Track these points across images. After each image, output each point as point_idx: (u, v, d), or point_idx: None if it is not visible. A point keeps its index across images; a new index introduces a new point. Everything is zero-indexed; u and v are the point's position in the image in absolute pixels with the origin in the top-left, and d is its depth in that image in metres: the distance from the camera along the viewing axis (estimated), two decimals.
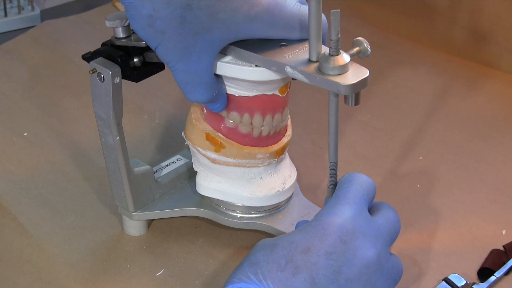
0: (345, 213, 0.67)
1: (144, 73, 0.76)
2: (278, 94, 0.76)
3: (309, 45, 0.69)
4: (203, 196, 0.83)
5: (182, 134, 0.81)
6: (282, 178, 0.81)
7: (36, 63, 1.13)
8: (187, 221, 0.86)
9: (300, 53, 0.71)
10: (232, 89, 0.75)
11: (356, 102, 0.68)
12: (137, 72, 0.76)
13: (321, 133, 1.00)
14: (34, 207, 0.88)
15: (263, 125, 0.77)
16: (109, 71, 0.73)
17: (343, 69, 0.67)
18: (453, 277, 0.78)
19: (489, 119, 1.03)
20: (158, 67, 0.77)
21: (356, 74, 0.67)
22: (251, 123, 0.77)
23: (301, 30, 0.72)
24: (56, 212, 0.87)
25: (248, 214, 0.82)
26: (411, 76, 1.12)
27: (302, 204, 0.84)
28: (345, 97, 0.68)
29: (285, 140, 0.80)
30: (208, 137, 0.78)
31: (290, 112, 0.81)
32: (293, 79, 0.73)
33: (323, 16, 0.69)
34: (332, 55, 0.67)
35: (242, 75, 0.73)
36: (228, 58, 0.73)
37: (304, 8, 0.72)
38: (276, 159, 0.80)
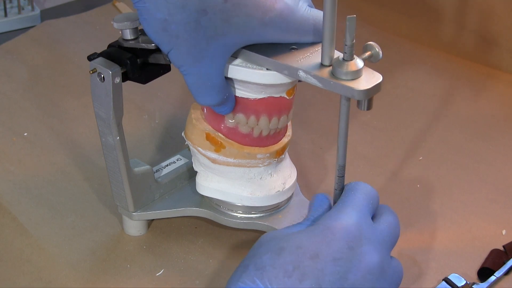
0: (353, 218, 0.67)
1: (151, 74, 0.76)
2: (285, 96, 0.76)
3: (322, 50, 0.69)
4: (203, 196, 0.83)
5: (182, 134, 0.81)
6: (282, 178, 0.81)
7: (36, 63, 1.13)
8: (187, 221, 0.86)
9: (312, 57, 0.71)
10: (240, 92, 0.75)
11: (369, 107, 0.68)
12: (144, 74, 0.76)
13: (321, 133, 1.00)
14: (34, 207, 0.88)
15: (270, 128, 0.77)
16: (109, 71, 0.73)
17: (357, 74, 0.67)
18: (453, 277, 0.78)
19: (489, 119, 1.03)
20: (165, 68, 0.77)
21: (370, 79, 0.68)
22: (257, 124, 0.77)
23: (313, 34, 0.72)
24: (56, 212, 0.87)
25: (248, 214, 0.82)
26: (411, 76, 1.12)
27: (302, 204, 0.84)
28: (358, 101, 0.68)
29: (285, 140, 0.80)
30: (208, 137, 0.78)
31: None
32: (299, 81, 0.73)
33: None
34: (346, 60, 0.67)
35: (253, 78, 0.73)
36: (238, 61, 0.73)
37: (315, 12, 0.72)
38: (276, 159, 0.80)
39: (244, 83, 0.74)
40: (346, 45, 0.67)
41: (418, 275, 0.80)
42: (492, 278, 0.79)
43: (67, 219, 0.86)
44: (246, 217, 0.82)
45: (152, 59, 0.75)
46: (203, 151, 0.79)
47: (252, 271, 0.64)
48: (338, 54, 0.69)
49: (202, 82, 0.72)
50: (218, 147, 0.78)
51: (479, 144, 0.99)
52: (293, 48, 0.72)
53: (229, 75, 0.74)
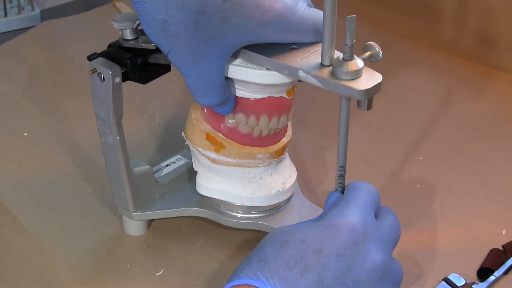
0: (358, 215, 0.67)
1: (151, 74, 0.76)
2: (285, 96, 0.76)
3: (322, 50, 0.69)
4: (203, 196, 0.83)
5: (182, 134, 0.81)
6: (282, 178, 0.81)
7: (36, 63, 1.13)
8: (187, 221, 0.86)
9: (312, 56, 0.71)
10: (240, 92, 0.75)
11: (369, 107, 0.68)
12: (144, 74, 0.76)
13: (321, 133, 1.00)
14: (34, 207, 0.88)
15: (270, 128, 0.77)
16: (109, 71, 0.73)
17: (357, 74, 0.67)
18: (453, 277, 0.78)
19: (489, 119, 1.03)
20: (165, 68, 0.77)
21: (370, 79, 0.68)
22: (257, 124, 0.77)
23: (313, 34, 0.72)
24: (56, 212, 0.87)
25: (248, 214, 0.82)
26: (411, 76, 1.12)
27: (302, 204, 0.84)
28: (358, 101, 0.68)
29: (285, 140, 0.80)
30: (208, 137, 0.78)
31: None
32: (299, 81, 0.73)
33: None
34: (346, 60, 0.67)
35: (253, 78, 0.73)
36: (238, 61, 0.73)
37: (314, 12, 0.72)
38: (276, 159, 0.80)
39: (244, 83, 0.74)
40: (346, 45, 0.67)
41: (418, 275, 0.80)
42: (492, 278, 0.79)
43: (67, 219, 0.86)
44: (246, 217, 0.82)
45: (152, 59, 0.75)
46: (203, 151, 0.79)
47: (255, 263, 0.65)
48: (338, 54, 0.69)
49: (202, 83, 0.72)
50: (218, 147, 0.78)
51: (479, 144, 0.99)
52: (293, 48, 0.72)
53: (229, 75, 0.74)
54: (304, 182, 0.91)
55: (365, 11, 1.23)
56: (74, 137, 0.99)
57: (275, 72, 0.72)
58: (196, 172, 0.82)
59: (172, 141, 0.98)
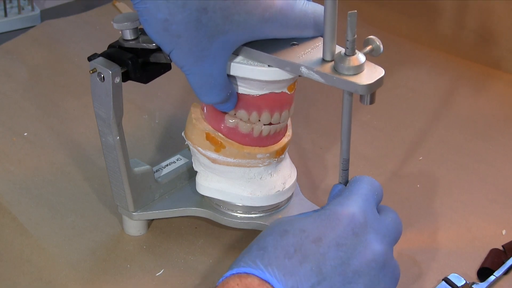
0: (359, 205, 0.67)
1: (152, 73, 0.76)
2: (287, 91, 0.76)
3: (323, 45, 0.69)
4: (203, 196, 0.83)
5: (182, 134, 0.81)
6: (282, 178, 0.81)
7: (36, 63, 1.13)
8: (187, 221, 0.86)
9: (313, 52, 0.71)
10: (241, 88, 0.75)
11: (372, 101, 0.68)
12: (146, 73, 0.76)
13: (321, 133, 1.00)
14: (34, 207, 0.88)
15: (271, 122, 0.77)
16: (109, 71, 0.73)
17: (359, 69, 0.68)
18: (453, 277, 0.78)
19: (489, 119, 1.03)
20: (165, 67, 0.77)
21: (372, 73, 0.68)
22: (259, 120, 0.77)
23: (313, 28, 0.72)
24: (56, 212, 0.87)
25: (248, 214, 0.82)
26: (411, 76, 1.12)
27: (302, 204, 0.84)
28: (361, 96, 0.68)
29: (285, 140, 0.80)
30: (208, 137, 0.78)
31: None
32: (299, 76, 0.73)
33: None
34: (348, 55, 0.67)
35: (255, 75, 0.73)
36: (239, 58, 0.73)
37: (313, 6, 0.73)
38: (276, 159, 0.80)
39: (246, 80, 0.74)
40: (347, 40, 0.67)
41: (418, 275, 0.80)
42: (492, 277, 0.79)
43: (67, 219, 0.86)
44: (246, 217, 0.82)
45: (152, 58, 0.75)
46: (203, 151, 0.79)
47: (255, 252, 0.65)
48: (339, 49, 0.69)
49: (205, 81, 0.72)
50: (218, 147, 0.78)
51: (479, 144, 0.99)
52: (294, 44, 0.72)
53: (231, 73, 0.74)
54: (304, 182, 0.91)
55: (365, 11, 1.23)
56: (74, 137, 0.99)
57: (276, 68, 0.72)
58: (196, 172, 0.82)
59: (172, 141, 0.98)
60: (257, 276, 0.63)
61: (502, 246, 0.83)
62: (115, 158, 0.78)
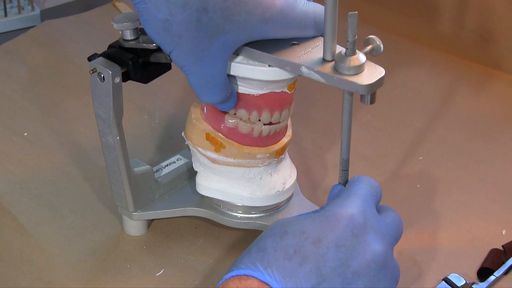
0: (358, 206, 0.67)
1: (153, 73, 0.76)
2: (287, 91, 0.76)
3: (324, 45, 0.69)
4: (203, 196, 0.83)
5: (182, 134, 0.81)
6: (282, 178, 0.81)
7: (36, 63, 1.13)
8: (187, 221, 0.86)
9: (313, 52, 0.71)
10: (242, 88, 0.75)
11: (372, 101, 0.68)
12: (146, 73, 0.76)
13: (321, 133, 1.00)
14: (34, 207, 0.88)
15: (271, 122, 0.77)
16: (109, 71, 0.73)
17: (360, 68, 0.68)
18: (453, 277, 0.78)
19: (489, 119, 1.03)
20: (166, 67, 0.77)
21: (373, 73, 0.68)
22: (259, 120, 0.77)
23: (313, 28, 0.72)
24: (56, 212, 0.87)
25: (248, 214, 0.82)
26: (411, 76, 1.12)
27: (302, 204, 0.84)
28: (361, 96, 0.68)
29: (285, 140, 0.80)
30: (208, 137, 0.78)
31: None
32: (299, 76, 0.73)
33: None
34: (349, 55, 0.67)
35: (255, 75, 0.73)
36: (239, 58, 0.73)
37: (314, 6, 0.73)
38: (276, 159, 0.80)
39: (246, 80, 0.74)
40: (348, 41, 0.67)
41: (418, 275, 0.80)
42: (492, 277, 0.79)
43: (67, 219, 0.86)
44: (246, 217, 0.82)
45: (153, 58, 0.75)
46: (203, 151, 0.79)
47: (254, 253, 0.65)
48: (339, 49, 0.69)
49: (205, 81, 0.72)
50: (218, 147, 0.78)
51: (479, 144, 0.99)
52: (294, 44, 0.72)
53: (231, 73, 0.74)
54: (304, 182, 0.91)
55: (365, 11, 1.23)
56: (74, 137, 0.99)
57: (277, 68, 0.72)
58: (196, 172, 0.82)
59: (172, 141, 0.98)
60: (257, 278, 0.63)
61: (502, 246, 0.83)
62: (115, 158, 0.78)
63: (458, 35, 1.15)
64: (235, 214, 0.82)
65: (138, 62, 0.74)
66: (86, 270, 0.80)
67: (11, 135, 0.99)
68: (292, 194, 0.84)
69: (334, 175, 0.93)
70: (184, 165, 0.86)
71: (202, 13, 0.68)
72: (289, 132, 0.82)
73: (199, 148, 0.79)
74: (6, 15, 1.24)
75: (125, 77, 0.75)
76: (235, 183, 0.80)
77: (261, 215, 0.82)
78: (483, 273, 0.80)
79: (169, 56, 0.71)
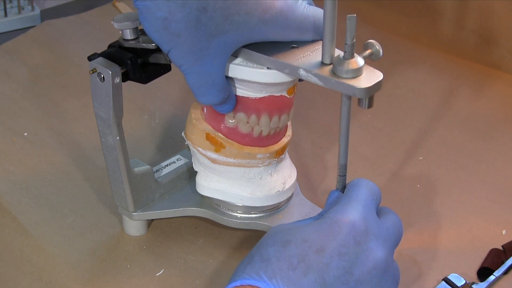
0: (359, 212, 0.67)
1: (152, 74, 0.76)
2: (286, 95, 0.76)
3: (322, 48, 0.69)
4: (203, 196, 0.83)
5: (182, 134, 0.81)
6: (282, 178, 0.81)
7: (36, 63, 1.13)
8: (187, 221, 0.86)
9: (312, 55, 0.71)
10: (240, 91, 0.75)
11: (370, 105, 0.68)
12: (145, 73, 0.76)
13: (321, 133, 1.00)
14: (34, 207, 0.88)
15: (270, 126, 0.77)
16: (109, 71, 0.73)
17: (358, 72, 0.68)
18: (453, 277, 0.78)
19: (489, 119, 1.03)
20: (165, 68, 0.77)
21: (370, 77, 0.68)
22: (258, 123, 0.77)
23: (313, 32, 0.72)
24: (56, 212, 0.87)
25: (248, 214, 0.82)
26: (411, 76, 1.12)
27: (302, 204, 0.84)
28: (359, 100, 0.68)
29: (285, 140, 0.80)
30: (208, 137, 0.78)
31: None
32: (299, 80, 0.73)
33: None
34: (347, 59, 0.67)
35: (254, 77, 0.73)
36: (238, 60, 0.73)
37: (314, 10, 0.73)
38: (276, 159, 0.80)
39: (245, 82, 0.74)
40: (346, 44, 0.67)
41: (418, 275, 0.80)
42: (492, 277, 0.79)
43: (67, 219, 0.86)
44: (246, 217, 0.82)
45: (152, 58, 0.75)
46: (203, 151, 0.79)
47: (258, 263, 0.65)
48: (338, 53, 0.69)
49: (203, 81, 0.72)
50: (218, 147, 0.78)
51: (479, 144, 0.99)
52: (293, 47, 0.72)
53: (230, 74, 0.74)
54: (304, 182, 0.91)
55: (365, 11, 1.23)
56: (74, 137, 0.99)
57: (275, 71, 0.72)
58: (196, 172, 0.82)
59: (172, 141, 0.98)
60: None
61: (502, 246, 0.83)
62: (115, 158, 0.78)
63: (458, 35, 1.15)
64: (235, 214, 0.82)
65: (137, 62, 0.74)
66: (86, 270, 0.80)
67: (11, 135, 0.99)
68: (292, 194, 0.84)
69: (334, 175, 0.92)
70: (184, 165, 0.86)
71: (201, 12, 0.68)
72: (289, 132, 0.82)
73: (199, 148, 0.79)
74: (6, 15, 1.24)
75: (125, 77, 0.75)
76: (235, 183, 0.80)
77: (261, 215, 0.82)
78: (483, 273, 0.80)
79: (168, 55, 0.71)
